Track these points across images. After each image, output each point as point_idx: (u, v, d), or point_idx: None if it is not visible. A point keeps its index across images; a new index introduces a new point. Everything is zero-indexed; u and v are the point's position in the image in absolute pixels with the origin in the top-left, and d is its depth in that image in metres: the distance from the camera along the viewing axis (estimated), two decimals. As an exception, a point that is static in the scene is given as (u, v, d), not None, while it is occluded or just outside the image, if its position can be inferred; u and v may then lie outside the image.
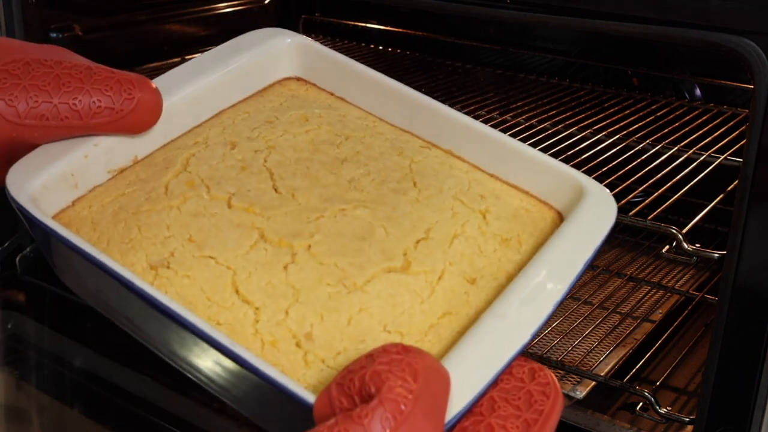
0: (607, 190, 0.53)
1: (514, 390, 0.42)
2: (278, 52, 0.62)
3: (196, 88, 0.57)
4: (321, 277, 0.46)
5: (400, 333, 0.45)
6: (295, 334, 0.44)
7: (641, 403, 0.84)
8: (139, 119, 0.52)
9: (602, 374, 0.87)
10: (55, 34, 1.14)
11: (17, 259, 1.20)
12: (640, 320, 1.00)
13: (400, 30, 1.49)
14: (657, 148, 1.07)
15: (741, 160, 0.65)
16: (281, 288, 0.46)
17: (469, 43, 1.42)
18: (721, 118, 1.16)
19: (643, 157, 1.05)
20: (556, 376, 0.85)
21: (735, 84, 1.20)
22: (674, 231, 0.83)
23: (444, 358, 0.42)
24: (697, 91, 1.26)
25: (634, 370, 0.88)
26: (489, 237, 0.51)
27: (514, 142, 0.57)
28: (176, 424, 0.94)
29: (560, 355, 0.91)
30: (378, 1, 1.29)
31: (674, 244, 0.85)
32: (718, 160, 1.03)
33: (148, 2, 1.29)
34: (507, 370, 0.43)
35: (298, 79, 0.63)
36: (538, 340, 0.93)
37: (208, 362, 0.45)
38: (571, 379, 0.88)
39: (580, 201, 0.52)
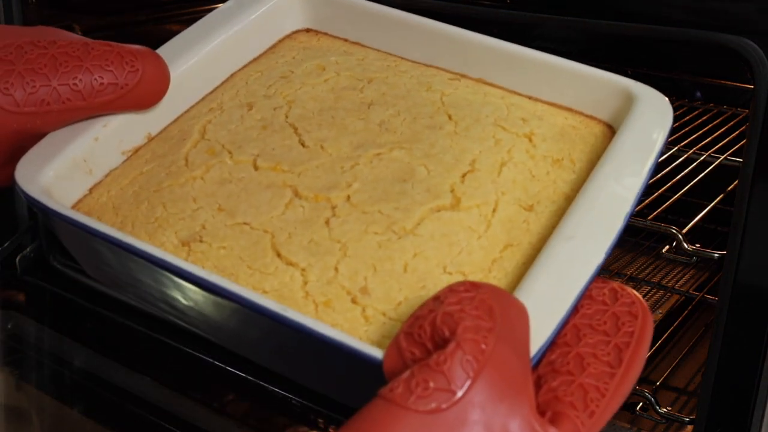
0: (658, 92, 0.49)
1: (597, 314, 0.39)
2: (283, 6, 0.59)
3: (203, 54, 0.54)
4: (366, 226, 0.43)
5: (462, 273, 0.42)
6: (349, 290, 0.41)
7: (641, 403, 0.84)
8: (146, 92, 0.49)
9: (602, 374, 0.87)
10: (55, 34, 1.14)
11: (17, 259, 1.20)
12: (640, 320, 0.99)
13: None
14: (657, 148, 1.08)
15: (741, 160, 0.65)
16: (326, 244, 0.43)
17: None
18: (721, 118, 1.17)
19: (643, 157, 1.05)
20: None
21: (735, 84, 1.20)
22: (674, 231, 0.83)
23: (516, 290, 0.39)
24: (697, 92, 1.26)
25: (634, 370, 0.88)
26: (539, 160, 0.48)
27: (549, 57, 0.54)
28: (176, 424, 0.94)
29: (560, 355, 0.91)
30: (378, 1, 1.29)
31: (674, 244, 0.85)
32: (718, 160, 1.03)
33: (148, 2, 1.29)
34: (586, 294, 0.39)
35: (308, 30, 0.60)
36: (538, 340, 0.93)
37: (260, 333, 0.42)
38: (571, 379, 0.88)
39: (631, 108, 0.48)
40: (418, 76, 0.54)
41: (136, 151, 0.51)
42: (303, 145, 0.49)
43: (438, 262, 0.42)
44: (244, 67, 0.56)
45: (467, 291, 0.36)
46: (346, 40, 0.59)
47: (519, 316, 0.36)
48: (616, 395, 0.37)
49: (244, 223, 0.44)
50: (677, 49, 1.24)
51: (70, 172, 0.48)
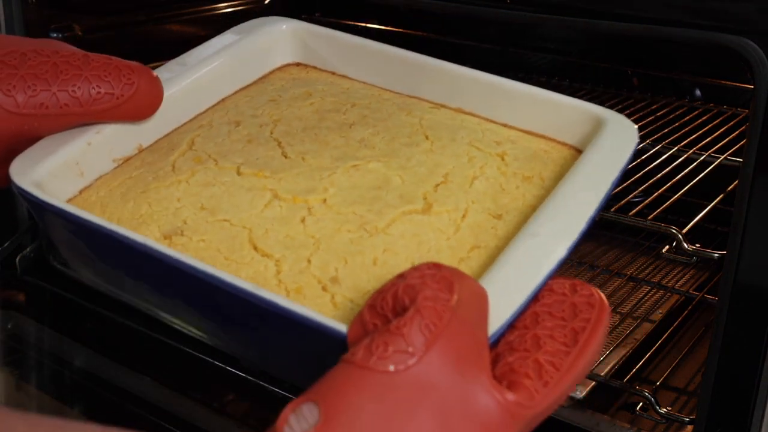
0: (625, 118, 0.53)
1: (556, 304, 0.41)
2: (275, 40, 0.63)
3: (197, 77, 0.58)
4: (340, 225, 0.46)
5: None
6: (320, 279, 0.44)
7: (641, 403, 0.84)
8: (139, 105, 0.52)
9: (602, 374, 0.87)
10: (55, 34, 1.14)
11: (17, 259, 1.20)
12: (640, 320, 0.99)
13: (400, 30, 1.49)
14: (657, 148, 1.07)
15: (741, 160, 0.65)
16: (300, 239, 0.45)
17: (469, 43, 1.42)
18: (721, 118, 1.17)
19: (642, 157, 1.04)
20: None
21: (735, 84, 1.20)
22: (674, 231, 0.83)
23: (480, 278, 0.41)
24: (697, 91, 1.26)
25: (634, 370, 0.87)
26: (510, 176, 0.51)
27: (524, 88, 0.57)
28: (176, 424, 0.94)
29: (560, 355, 0.91)
30: (378, 1, 1.29)
31: (674, 244, 0.85)
32: (718, 160, 1.03)
33: (148, 2, 1.29)
34: (547, 287, 0.42)
35: (298, 64, 0.64)
36: (538, 340, 0.93)
37: (231, 316, 0.43)
38: (571, 379, 0.88)
39: (599, 132, 0.52)
40: (399, 103, 0.58)
41: (127, 160, 0.54)
42: (285, 156, 0.52)
43: (407, 257, 0.45)
44: (235, 93, 0.60)
45: (430, 269, 0.38)
46: (333, 73, 0.62)
47: (479, 298, 0.38)
48: (570, 371, 0.39)
49: (225, 220, 0.47)
50: (677, 49, 1.24)
51: (62, 172, 0.50)
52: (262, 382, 0.97)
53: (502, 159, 0.52)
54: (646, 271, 1.11)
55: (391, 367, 0.35)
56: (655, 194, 0.93)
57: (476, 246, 0.46)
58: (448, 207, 0.48)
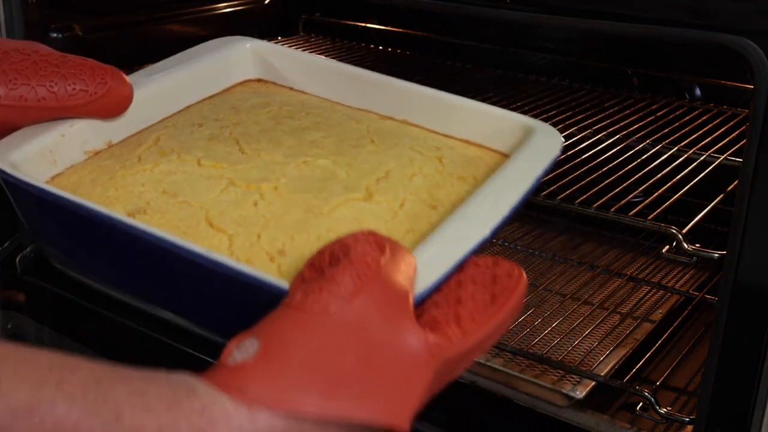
0: (552, 128, 0.60)
1: (479, 274, 0.46)
2: (238, 57, 0.70)
3: (165, 85, 0.64)
4: (288, 208, 0.52)
5: None
6: (268, 251, 0.49)
7: (641, 403, 0.84)
8: (110, 104, 0.58)
9: (602, 374, 0.87)
10: (55, 34, 1.14)
11: (17, 259, 1.20)
12: (640, 320, 0.99)
13: (400, 30, 1.49)
14: (657, 148, 1.07)
15: (741, 160, 0.65)
16: (252, 218, 0.51)
17: (469, 43, 1.42)
18: (721, 118, 1.16)
19: (643, 157, 1.05)
20: (556, 376, 0.87)
21: (735, 84, 1.20)
22: (674, 231, 0.83)
23: (411, 251, 0.46)
24: (697, 91, 1.26)
25: (634, 370, 0.87)
26: (446, 176, 0.57)
27: (464, 102, 0.64)
28: (176, 424, 0.94)
29: (560, 355, 0.91)
30: (378, 1, 1.29)
31: (674, 244, 0.85)
32: (718, 160, 1.03)
33: (148, 2, 1.29)
34: (472, 261, 0.47)
35: (259, 80, 0.71)
36: (539, 340, 0.93)
37: (183, 281, 0.48)
38: (571, 379, 0.88)
39: (527, 139, 0.59)
40: (349, 114, 0.64)
41: (97, 153, 0.59)
42: (242, 152, 0.58)
43: None
44: (199, 101, 0.66)
45: (364, 234, 0.43)
46: (291, 88, 0.69)
47: (407, 262, 0.44)
48: (486, 324, 0.44)
49: (184, 202, 0.53)
50: (677, 49, 1.24)
51: (37, 159, 0.55)
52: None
53: (440, 161, 0.58)
54: (646, 271, 1.11)
55: (324, 309, 0.40)
56: (655, 194, 0.93)
57: (411, 230, 0.51)
58: (388, 197, 0.53)
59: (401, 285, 0.42)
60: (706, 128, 1.12)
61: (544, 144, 0.58)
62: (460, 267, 0.46)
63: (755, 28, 0.63)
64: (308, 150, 0.58)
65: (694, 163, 1.02)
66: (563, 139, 0.59)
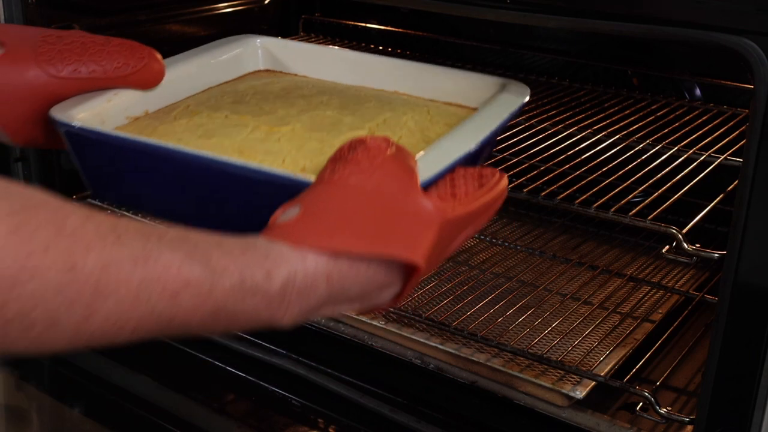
0: (521, 83, 0.75)
1: (468, 173, 0.59)
2: (250, 51, 0.84)
3: (189, 70, 0.78)
4: (305, 142, 0.66)
5: None
6: (292, 170, 0.61)
7: (641, 403, 0.84)
8: (147, 76, 0.71)
9: (602, 374, 0.87)
10: (55, 34, 1.14)
11: (17, 259, 1.20)
12: (640, 320, 1.00)
13: (400, 30, 1.49)
14: (657, 148, 1.07)
15: (741, 160, 0.65)
16: (276, 149, 0.65)
17: (469, 43, 1.42)
18: (721, 118, 1.16)
19: (643, 157, 1.04)
20: (556, 376, 0.87)
21: (735, 84, 1.20)
22: (674, 231, 0.83)
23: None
24: (697, 91, 1.26)
25: (634, 370, 0.88)
26: (434, 122, 0.72)
27: (444, 70, 0.80)
28: (176, 424, 0.94)
29: (560, 355, 0.91)
30: (378, 1, 1.29)
31: (674, 244, 0.85)
32: (718, 160, 1.03)
33: (148, 2, 1.29)
34: (461, 168, 0.60)
35: (267, 70, 0.85)
36: (539, 340, 0.93)
37: (222, 192, 0.59)
38: (571, 379, 0.88)
39: (502, 90, 0.74)
40: (348, 87, 0.80)
41: (137, 118, 0.72)
42: (262, 109, 0.72)
43: None
44: (218, 85, 0.80)
45: (373, 137, 0.56)
46: (296, 75, 0.84)
47: (410, 155, 0.57)
48: (479, 200, 0.58)
49: (218, 141, 0.66)
50: (677, 49, 1.24)
51: (89, 119, 0.66)
52: (262, 383, 0.97)
53: (428, 113, 0.73)
54: (646, 271, 1.11)
55: (349, 181, 0.53)
56: (655, 194, 0.93)
57: None
58: (387, 134, 0.67)
59: (409, 164, 0.56)
60: (706, 128, 1.12)
61: (516, 91, 0.74)
62: (452, 168, 0.59)
63: (755, 28, 0.63)
64: (317, 107, 0.73)
65: (694, 163, 1.02)
66: (529, 89, 0.75)
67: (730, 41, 0.63)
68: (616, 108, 1.21)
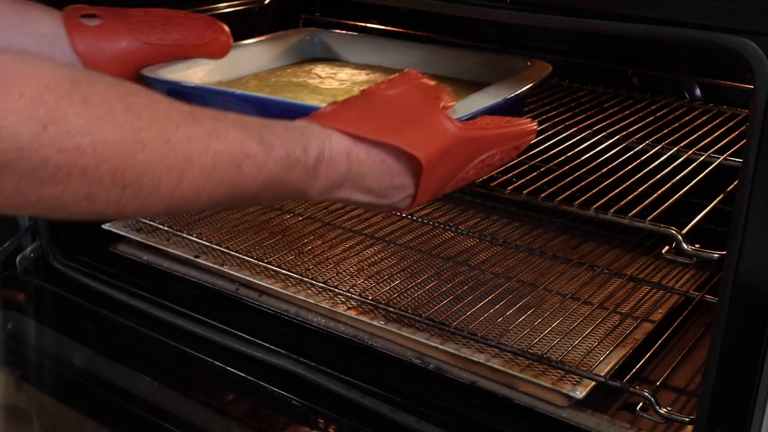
0: (543, 62, 0.96)
1: (497, 117, 0.73)
2: (307, 41, 1.08)
3: (254, 51, 1.00)
4: (353, 89, 0.91)
5: None
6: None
7: (641, 403, 0.84)
8: (218, 47, 0.87)
9: (602, 374, 0.87)
10: (55, 34, 1.14)
11: (17, 259, 1.20)
12: (640, 320, 0.99)
13: (400, 30, 1.49)
14: (657, 148, 1.07)
15: (741, 160, 0.65)
16: (331, 98, 0.85)
17: (469, 43, 1.42)
18: (721, 118, 1.16)
19: (643, 158, 1.04)
20: (556, 376, 0.87)
21: (735, 84, 1.20)
22: (674, 232, 0.82)
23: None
24: (697, 91, 1.26)
25: (634, 370, 0.88)
26: (466, 89, 0.91)
27: (477, 55, 1.04)
28: (176, 424, 0.94)
29: (560, 355, 0.91)
30: (378, 1, 1.29)
31: (674, 244, 0.84)
32: (718, 160, 1.03)
33: (148, 2, 1.28)
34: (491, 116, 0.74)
35: (321, 58, 1.08)
36: (539, 340, 0.93)
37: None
38: (571, 379, 0.88)
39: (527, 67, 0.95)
40: (394, 70, 0.98)
41: (214, 84, 0.90)
42: (317, 77, 0.98)
43: None
44: (280, 66, 1.03)
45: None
46: (347, 61, 1.07)
47: (441, 91, 0.72)
48: (497, 129, 0.71)
49: (283, 96, 0.88)
50: (677, 49, 1.24)
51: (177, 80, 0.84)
52: (262, 383, 0.97)
53: (459, 83, 0.96)
54: (646, 271, 1.11)
55: (381, 90, 0.68)
56: (655, 195, 0.93)
57: None
58: None
59: (436, 91, 0.70)
60: (706, 128, 1.12)
61: (541, 65, 0.94)
62: (485, 112, 0.74)
63: (755, 28, 0.63)
64: (364, 72, 1.00)
65: (694, 164, 1.02)
66: (551, 67, 0.94)
67: (730, 41, 0.63)
68: (616, 108, 1.21)
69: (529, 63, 0.95)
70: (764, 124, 0.62)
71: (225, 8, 1.40)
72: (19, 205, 0.50)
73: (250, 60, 0.96)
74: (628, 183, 0.97)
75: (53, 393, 1.04)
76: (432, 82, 0.70)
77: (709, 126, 1.13)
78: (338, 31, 1.08)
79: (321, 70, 1.01)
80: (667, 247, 0.87)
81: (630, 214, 0.87)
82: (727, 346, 0.69)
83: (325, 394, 0.94)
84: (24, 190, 0.49)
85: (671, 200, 0.89)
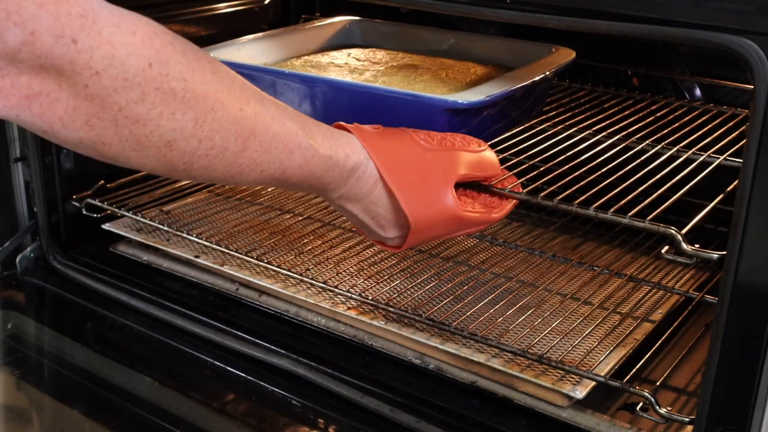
0: (568, 49, 1.10)
1: (491, 196, 0.84)
2: (346, 28, 1.23)
3: (298, 37, 1.17)
4: (393, 78, 1.04)
5: None
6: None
7: (641, 403, 0.84)
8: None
9: (602, 374, 0.87)
10: (55, 34, 1.14)
11: (17, 259, 1.20)
12: (640, 320, 0.99)
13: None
14: (657, 148, 1.07)
15: (741, 160, 0.65)
16: (370, 80, 1.03)
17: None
18: (721, 118, 1.16)
19: (642, 158, 1.04)
20: (556, 376, 0.86)
21: (735, 84, 1.20)
22: (673, 232, 0.82)
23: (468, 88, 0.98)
24: (697, 91, 1.25)
25: (634, 370, 0.87)
26: (488, 70, 1.09)
27: (504, 41, 1.17)
28: (176, 424, 0.94)
29: (560, 355, 0.91)
30: (378, 1, 1.29)
31: (674, 244, 0.84)
32: (718, 161, 1.03)
33: (148, 2, 1.29)
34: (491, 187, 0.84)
35: (359, 45, 1.21)
36: (539, 340, 0.93)
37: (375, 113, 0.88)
38: (571, 379, 0.88)
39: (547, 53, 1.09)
40: (415, 56, 1.16)
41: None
42: (355, 59, 1.12)
43: (437, 88, 1.02)
44: (320, 51, 1.17)
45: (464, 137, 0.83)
46: (382, 48, 1.19)
47: (477, 155, 0.82)
48: (489, 213, 0.83)
49: (332, 77, 1.02)
50: (677, 49, 1.24)
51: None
52: (262, 383, 0.97)
53: (486, 66, 1.10)
54: (646, 271, 1.11)
55: (423, 146, 0.77)
56: (655, 194, 0.93)
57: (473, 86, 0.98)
58: (458, 76, 1.06)
59: (462, 158, 0.79)
60: (706, 128, 1.11)
61: (565, 52, 1.07)
62: (498, 100, 0.90)
63: (755, 28, 0.63)
64: (401, 56, 1.13)
65: (694, 164, 1.02)
66: (574, 54, 1.06)
67: (730, 41, 0.63)
68: (616, 108, 1.21)
69: (554, 49, 1.07)
70: (764, 124, 0.62)
71: (225, 8, 1.40)
72: (110, 140, 0.55)
73: (292, 44, 1.13)
74: (627, 183, 0.97)
75: (53, 393, 1.04)
76: (470, 154, 0.80)
77: (709, 126, 1.12)
78: (372, 20, 1.23)
79: (359, 52, 1.15)
80: (666, 247, 0.87)
81: (630, 214, 0.87)
82: (727, 346, 0.69)
83: (325, 394, 0.94)
84: (120, 123, 0.54)
85: (671, 200, 0.89)
